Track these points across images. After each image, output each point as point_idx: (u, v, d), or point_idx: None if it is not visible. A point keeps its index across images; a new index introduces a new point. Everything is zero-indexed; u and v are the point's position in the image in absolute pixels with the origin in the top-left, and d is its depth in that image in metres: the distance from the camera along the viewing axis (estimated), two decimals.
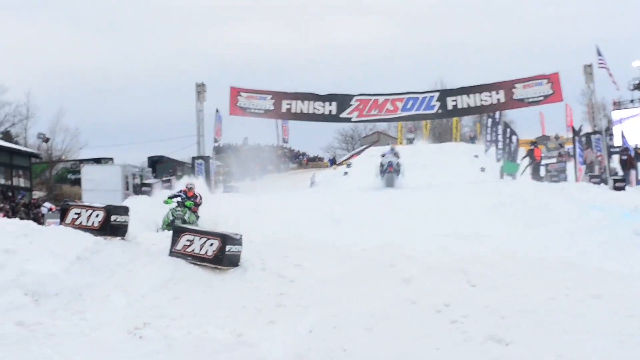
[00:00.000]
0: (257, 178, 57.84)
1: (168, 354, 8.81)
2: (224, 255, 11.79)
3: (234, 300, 10.40)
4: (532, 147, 41.94)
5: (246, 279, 11.25)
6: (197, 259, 11.91)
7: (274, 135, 69.80)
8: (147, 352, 8.82)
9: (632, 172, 35.69)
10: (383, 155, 34.46)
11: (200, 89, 40.85)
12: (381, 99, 44.14)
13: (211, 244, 11.90)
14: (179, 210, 22.76)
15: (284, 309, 10.07)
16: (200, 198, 23.40)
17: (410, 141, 46.00)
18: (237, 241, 12.05)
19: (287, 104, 43.47)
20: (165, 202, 23.24)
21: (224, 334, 9.24)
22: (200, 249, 11.94)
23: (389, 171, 32.83)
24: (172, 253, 12.13)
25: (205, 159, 39.89)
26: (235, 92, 42.56)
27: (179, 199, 23.30)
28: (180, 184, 29.98)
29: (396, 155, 34.12)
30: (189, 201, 22.99)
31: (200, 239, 12.04)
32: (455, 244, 18.33)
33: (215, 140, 44.26)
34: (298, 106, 43.43)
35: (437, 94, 44.31)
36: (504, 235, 20.18)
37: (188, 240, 12.12)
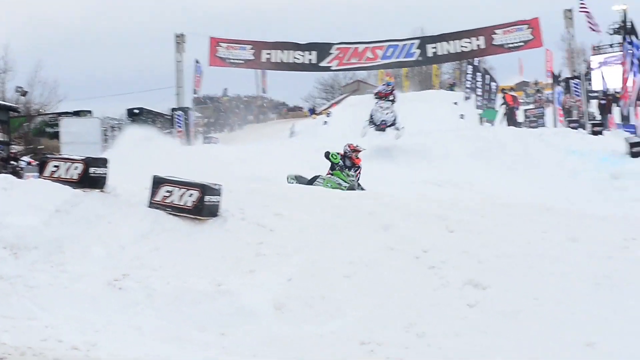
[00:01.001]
0: (237, 129, 57.77)
1: (148, 304, 8.86)
2: (203, 206, 11.78)
3: (214, 250, 10.43)
4: (503, 93, 42.19)
5: (226, 228, 11.26)
6: (177, 210, 11.89)
7: (253, 86, 69.62)
8: (127, 302, 8.86)
9: (610, 117, 35.89)
10: (377, 98, 29.39)
11: (180, 39, 40.66)
12: (361, 47, 44.06)
13: (190, 195, 11.87)
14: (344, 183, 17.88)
15: (264, 258, 10.11)
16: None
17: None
18: (216, 191, 12.03)
19: (267, 53, 43.36)
20: (332, 156, 18.55)
21: (203, 283, 9.27)
22: (180, 199, 11.92)
23: (382, 128, 28.65)
24: (152, 204, 12.10)
25: (185, 110, 39.80)
26: (215, 43, 42.35)
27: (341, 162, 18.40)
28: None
29: (393, 100, 29.23)
30: (352, 176, 18.21)
31: (180, 189, 12.01)
32: (434, 190, 18.48)
33: (195, 92, 44.11)
34: (278, 56, 43.32)
35: (417, 41, 44.24)
36: (483, 181, 20.33)
37: (167, 191, 12.09)
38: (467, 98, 53.71)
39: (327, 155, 18.60)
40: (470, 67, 54.49)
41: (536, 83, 62.06)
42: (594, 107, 40.30)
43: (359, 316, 8.49)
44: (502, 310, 8.52)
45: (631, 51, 32.30)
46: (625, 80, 32.92)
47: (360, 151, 18.71)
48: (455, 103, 52.33)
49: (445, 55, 44.40)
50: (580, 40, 51.96)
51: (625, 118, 33.13)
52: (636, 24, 34.06)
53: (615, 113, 35.92)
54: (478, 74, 51.78)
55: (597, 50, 56.23)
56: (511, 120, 39.89)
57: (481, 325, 8.20)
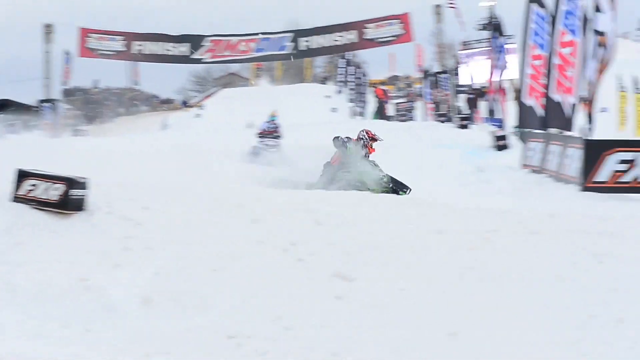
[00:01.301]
0: (108, 121, 56.91)
1: (10, 300, 8.61)
2: (69, 200, 11.52)
3: (79, 245, 10.21)
4: (374, 87, 43.11)
5: (92, 223, 11.04)
6: (42, 204, 11.59)
7: (125, 78, 68.55)
8: None
9: (477, 111, 36.89)
10: (261, 137, 27.16)
11: (48, 29, 39.83)
12: (234, 39, 44.10)
13: (56, 188, 11.60)
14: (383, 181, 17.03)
15: (131, 252, 9.96)
16: None
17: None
18: (82, 185, 11.78)
19: (139, 45, 42.93)
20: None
21: (68, 279, 9.07)
22: (45, 193, 11.63)
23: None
24: (15, 198, 11.78)
25: (53, 102, 38.95)
26: (85, 33, 41.68)
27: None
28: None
29: (279, 137, 27.06)
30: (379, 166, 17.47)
31: (45, 183, 11.71)
32: None
33: (64, 83, 43.29)
34: (149, 47, 42.88)
35: (290, 35, 44.51)
36: None
37: (32, 184, 11.79)
38: (339, 92, 54.28)
39: (340, 141, 17.21)
40: (342, 61, 55.03)
41: (407, 77, 63.20)
42: (462, 101, 41.29)
43: (226, 310, 8.46)
44: (369, 301, 8.63)
45: (497, 47, 33.26)
46: (491, 76, 33.88)
47: (377, 140, 17.59)
48: (328, 97, 52.84)
49: (318, 49, 44.83)
50: (450, 36, 53.16)
51: (491, 112, 34.09)
52: (503, 21, 34.95)
53: (482, 107, 36.92)
54: (350, 67, 52.35)
55: (465, 45, 57.59)
56: (382, 113, 40.58)
57: (348, 316, 8.29)
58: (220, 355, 7.41)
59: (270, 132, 26.89)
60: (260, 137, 27.02)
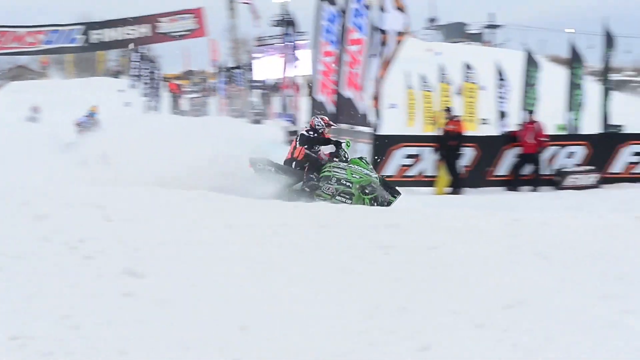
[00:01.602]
0: None
1: None
2: None
3: None
4: (167, 81, 43.05)
5: None
6: None
7: None
8: None
9: (270, 106, 37.36)
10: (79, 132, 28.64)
11: None
12: (21, 31, 42.84)
13: None
14: (369, 175, 16.36)
15: None
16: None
17: None
18: None
19: None
20: (347, 144, 16.97)
21: None
22: None
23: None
24: None
25: None
26: None
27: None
28: None
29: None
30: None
31: None
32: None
33: None
34: None
35: (81, 27, 43.57)
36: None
37: None
38: (132, 86, 53.56)
39: (304, 136, 16.80)
40: (136, 54, 54.31)
41: (202, 72, 63.08)
42: (256, 96, 41.65)
43: (9, 310, 8.16)
44: (159, 298, 8.54)
45: (290, 43, 33.75)
46: (284, 71, 34.36)
47: (332, 127, 17.36)
48: (122, 91, 52.08)
49: (111, 42, 44.16)
50: (244, 31, 53.47)
51: (284, 107, 34.59)
52: (296, 17, 35.52)
53: (276, 103, 37.43)
54: (144, 62, 51.76)
55: (259, 41, 58.06)
56: (175, 108, 40.38)
57: (137, 314, 8.17)
58: (2, 357, 7.15)
59: (88, 126, 28.41)
60: (78, 130, 28.50)
